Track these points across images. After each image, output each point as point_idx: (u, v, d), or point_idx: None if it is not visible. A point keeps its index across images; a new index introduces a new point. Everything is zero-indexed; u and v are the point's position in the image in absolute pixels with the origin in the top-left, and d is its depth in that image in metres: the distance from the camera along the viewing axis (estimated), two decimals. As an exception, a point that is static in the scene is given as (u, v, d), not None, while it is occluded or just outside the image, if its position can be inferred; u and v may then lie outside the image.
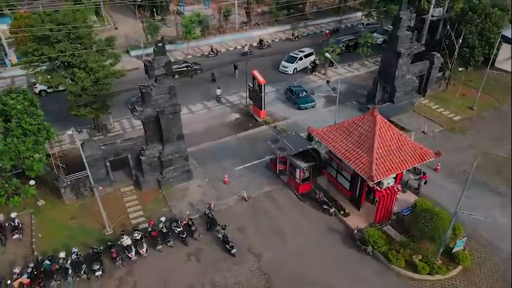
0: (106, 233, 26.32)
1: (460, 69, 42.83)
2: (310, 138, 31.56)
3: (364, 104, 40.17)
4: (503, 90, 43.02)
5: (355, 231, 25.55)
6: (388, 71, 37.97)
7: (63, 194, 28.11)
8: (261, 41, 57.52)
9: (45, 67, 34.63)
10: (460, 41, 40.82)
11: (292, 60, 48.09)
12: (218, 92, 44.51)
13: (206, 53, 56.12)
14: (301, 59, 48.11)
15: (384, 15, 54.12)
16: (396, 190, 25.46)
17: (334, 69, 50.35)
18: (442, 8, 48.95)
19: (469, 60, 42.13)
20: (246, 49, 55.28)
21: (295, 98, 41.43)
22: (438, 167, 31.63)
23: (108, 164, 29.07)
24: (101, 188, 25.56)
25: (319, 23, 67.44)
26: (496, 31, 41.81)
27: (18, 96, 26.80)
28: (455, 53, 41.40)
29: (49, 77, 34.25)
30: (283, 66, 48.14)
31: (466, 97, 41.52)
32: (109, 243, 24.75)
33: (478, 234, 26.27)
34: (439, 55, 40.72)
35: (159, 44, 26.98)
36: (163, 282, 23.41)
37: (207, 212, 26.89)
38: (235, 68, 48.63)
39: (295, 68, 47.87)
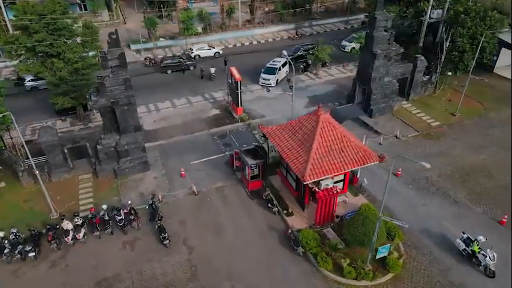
0: (52, 217, 27.29)
1: (449, 73, 41.12)
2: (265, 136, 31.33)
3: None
4: (495, 97, 41.05)
5: (290, 231, 25.19)
6: (365, 72, 37.09)
7: (20, 177, 29.36)
8: None
9: (27, 56, 36.16)
10: (448, 44, 39.26)
11: (272, 71, 45.17)
12: (212, 70, 46.31)
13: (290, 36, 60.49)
14: (279, 69, 45.57)
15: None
16: (335, 192, 24.86)
17: (327, 70, 49.87)
18: (442, 10, 47.39)
19: (458, 64, 40.36)
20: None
21: None
22: (399, 173, 30.64)
23: (66, 151, 30.03)
24: (37, 172, 26.41)
25: (325, 23, 66.65)
26: (490, 35, 39.88)
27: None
28: (443, 57, 39.83)
29: (30, 64, 35.86)
30: (264, 79, 44.94)
31: (452, 103, 39.85)
32: (48, 226, 25.61)
33: (422, 243, 25.29)
34: (422, 58, 39.33)
35: (112, 36, 27.56)
36: (93, 267, 24.00)
37: (150, 202, 27.28)
38: (225, 63, 48.91)
39: (277, 79, 45.34)
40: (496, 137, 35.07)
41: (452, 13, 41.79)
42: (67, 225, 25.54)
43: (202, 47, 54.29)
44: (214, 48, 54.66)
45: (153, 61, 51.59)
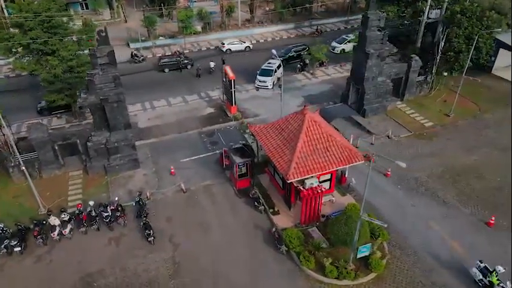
0: (40, 213, 27.52)
1: (445, 74, 40.83)
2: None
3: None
4: (492, 98, 40.70)
5: (274, 229, 25.20)
6: (358, 72, 36.97)
7: (11, 173, 29.66)
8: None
9: (22, 54, 36.55)
10: (442, 44, 39.02)
11: (268, 73, 44.22)
12: (212, 64, 47.61)
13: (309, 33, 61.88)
14: (275, 71, 44.47)
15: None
16: (320, 191, 24.79)
17: (324, 69, 49.75)
18: (440, 10, 47.12)
19: (453, 64, 40.06)
20: None
21: None
22: (389, 173, 30.48)
23: (56, 148, 30.27)
24: (23, 168, 26.68)
25: (325, 23, 66.46)
26: (487, 36, 39.55)
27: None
28: (438, 57, 39.58)
29: (25, 62, 36.25)
30: (260, 82, 44.04)
31: (447, 103, 39.50)
32: (35, 221, 25.85)
33: (407, 243, 25.16)
34: (417, 58, 39.07)
35: (102, 34, 27.74)
36: (77, 263, 24.17)
37: (137, 199, 27.43)
38: (223, 62, 48.94)
39: (273, 82, 44.25)
40: (489, 138, 34.78)
41: (449, 13, 41.51)
42: (54, 220, 25.75)
43: (233, 42, 56.04)
44: (244, 43, 56.41)
45: (182, 54, 52.63)
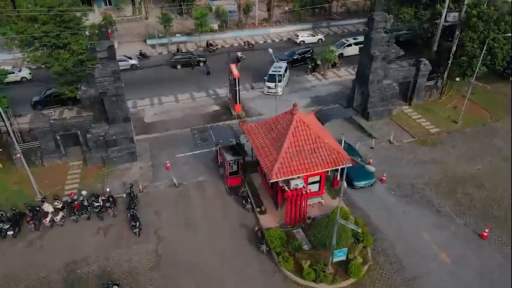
0: (36, 199, 28.51)
1: (457, 79, 39.52)
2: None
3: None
4: (506, 106, 39.14)
5: (256, 228, 25.17)
6: (363, 74, 36.35)
7: (14, 161, 30.86)
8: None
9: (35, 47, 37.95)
10: (454, 48, 37.78)
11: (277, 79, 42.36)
12: (239, 54, 50.02)
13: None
14: (283, 75, 42.72)
15: (397, 19, 51.38)
16: (304, 193, 24.55)
17: (336, 71, 49.17)
18: (458, 13, 45.59)
19: (466, 70, 38.71)
20: None
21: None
22: (384, 178, 29.83)
23: (58, 138, 31.27)
24: (18, 155, 27.70)
25: (343, 24, 65.66)
26: (504, 41, 37.99)
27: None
28: (449, 62, 38.36)
29: (38, 54, 37.65)
30: (269, 88, 42.38)
31: (457, 110, 38.21)
32: (29, 207, 26.82)
33: (393, 251, 24.58)
34: (426, 61, 37.99)
35: (102, 30, 28.46)
36: (65, 250, 24.89)
37: (128, 191, 28.01)
38: (238, 61, 49.25)
39: (283, 86, 42.90)
40: (496, 147, 33.49)
41: (465, 16, 40.12)
42: (47, 207, 26.67)
43: (305, 34, 58.42)
44: (317, 35, 58.53)
45: (251, 44, 54.87)
